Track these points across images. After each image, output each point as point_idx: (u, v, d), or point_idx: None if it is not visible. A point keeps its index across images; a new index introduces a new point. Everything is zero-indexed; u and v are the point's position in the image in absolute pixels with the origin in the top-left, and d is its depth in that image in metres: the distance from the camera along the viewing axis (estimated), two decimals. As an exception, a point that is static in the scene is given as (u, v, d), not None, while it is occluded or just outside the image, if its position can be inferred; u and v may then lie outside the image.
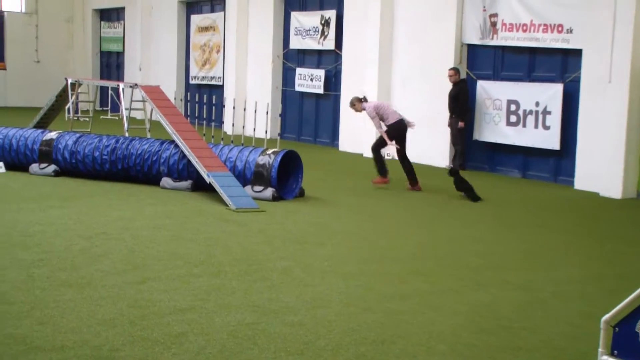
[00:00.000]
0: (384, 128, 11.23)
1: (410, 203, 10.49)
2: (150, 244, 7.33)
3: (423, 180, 11.83)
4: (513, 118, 13.54)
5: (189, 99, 16.63)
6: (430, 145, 14.82)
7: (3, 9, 27.66)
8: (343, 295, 5.83)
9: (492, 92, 13.90)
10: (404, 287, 6.17)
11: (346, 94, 17.06)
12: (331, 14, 17.60)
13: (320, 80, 17.98)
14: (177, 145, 10.89)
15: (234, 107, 15.74)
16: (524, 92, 13.35)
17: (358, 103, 11.46)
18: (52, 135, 11.77)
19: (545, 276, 6.75)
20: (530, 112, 13.24)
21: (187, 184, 10.66)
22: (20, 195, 9.75)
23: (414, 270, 6.74)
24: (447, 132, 14.47)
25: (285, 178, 10.64)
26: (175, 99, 16.53)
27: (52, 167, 11.48)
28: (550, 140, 12.96)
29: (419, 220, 9.25)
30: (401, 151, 11.25)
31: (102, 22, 27.97)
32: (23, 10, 27.95)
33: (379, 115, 11.25)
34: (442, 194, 11.30)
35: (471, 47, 14.41)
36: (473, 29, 14.22)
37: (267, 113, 15.08)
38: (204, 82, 22.02)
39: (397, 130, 11.22)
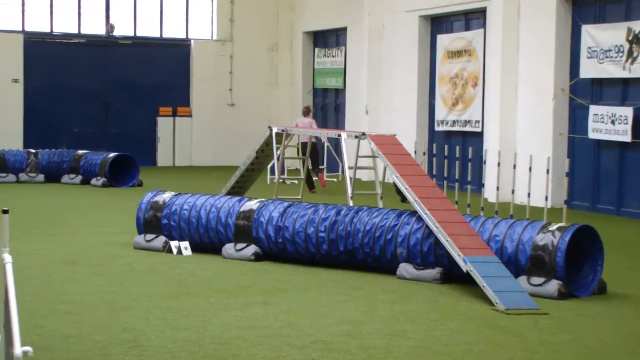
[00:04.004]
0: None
1: None
2: (385, 358, 7.43)
3: None
4: None
5: (434, 152, 16.91)
6: None
7: (190, 37, 30.00)
8: None
9: None
10: None
11: (667, 141, 16.42)
12: (642, 24, 17.18)
13: (627, 123, 17.50)
14: (420, 218, 11.05)
15: (498, 164, 15.75)
16: None
17: (305, 112, 21.78)
18: (252, 205, 12.43)
19: None
20: None
21: (434, 272, 10.74)
22: (211, 287, 10.34)
23: None
24: None
25: (576, 266, 10.39)
26: (415, 152, 16.81)
27: (252, 249, 12.08)
28: None
29: None
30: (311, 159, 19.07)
31: (316, 49, 29.37)
32: (214, 38, 30.13)
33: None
34: None
35: None
36: None
37: (547, 171, 14.90)
38: (456, 128, 22.27)
39: (305, 147, 19.01)
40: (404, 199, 17.21)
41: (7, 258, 5.92)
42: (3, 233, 6.30)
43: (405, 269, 10.96)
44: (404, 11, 24.08)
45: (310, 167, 19.55)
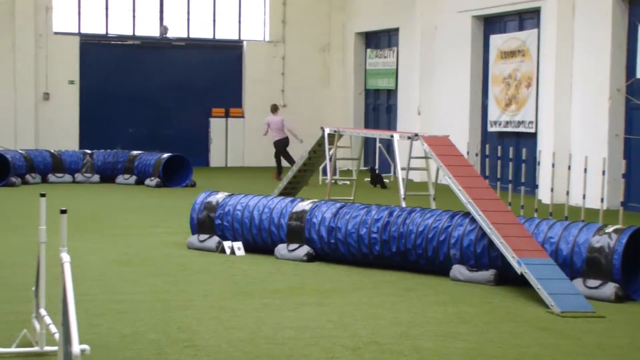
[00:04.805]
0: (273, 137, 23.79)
1: None
2: (439, 360, 7.42)
3: None
4: None
5: (487, 153, 16.80)
6: None
7: (242, 38, 30.13)
8: None
9: None
10: None
11: None
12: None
13: (684, 123, 17.29)
14: (473, 220, 11.01)
15: (553, 165, 15.62)
16: None
17: (273, 109, 24.22)
18: (305, 205, 12.46)
19: None
20: None
21: (488, 274, 10.69)
22: (264, 288, 10.39)
23: None
24: None
25: (633, 268, 10.28)
26: (468, 153, 16.73)
27: (305, 249, 12.11)
28: None
29: None
30: (279, 155, 23.86)
31: (368, 50, 29.37)
32: (266, 39, 30.24)
33: (269, 128, 23.83)
34: None
35: None
36: None
37: (603, 173, 14.75)
38: (509, 128, 22.14)
39: (280, 144, 23.81)
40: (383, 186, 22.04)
41: (65, 257, 6.00)
42: (61, 233, 6.38)
43: (458, 270, 10.92)
44: (457, 11, 23.99)
45: (281, 161, 23.86)
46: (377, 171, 23.40)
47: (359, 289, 10.45)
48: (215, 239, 12.78)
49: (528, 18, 22.06)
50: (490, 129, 22.92)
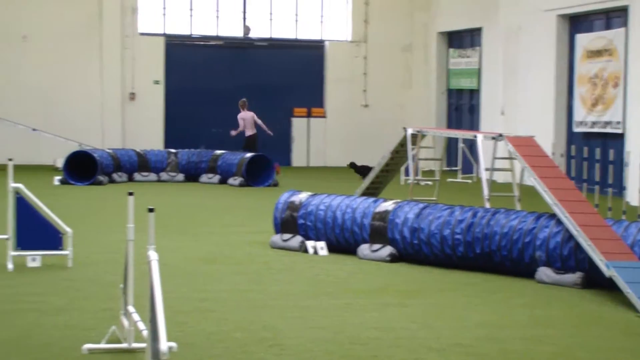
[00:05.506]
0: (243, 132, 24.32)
1: None
2: (526, 363, 7.34)
3: None
4: None
5: (573, 154, 16.62)
6: None
7: (324, 38, 30.18)
8: None
9: None
10: None
11: None
12: None
13: None
14: (559, 222, 10.85)
15: (641, 166, 15.38)
16: None
17: (242, 105, 24.47)
18: (387, 206, 12.40)
19: None
20: None
21: (575, 277, 10.52)
22: (347, 287, 10.37)
23: None
24: None
25: None
26: (553, 154, 16.53)
27: (388, 250, 12.06)
28: None
29: None
30: (252, 150, 23.66)
31: (451, 50, 29.20)
32: (349, 39, 30.24)
33: (244, 124, 24.17)
34: None
35: None
36: None
37: (693, 174, 14.45)
38: (596, 129, 21.81)
39: (251, 139, 24.26)
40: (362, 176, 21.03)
41: (153, 255, 6.05)
42: (149, 231, 6.44)
43: (544, 272, 10.77)
44: (542, 10, 23.70)
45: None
46: (356, 164, 24.03)
47: (443, 290, 10.38)
48: (299, 238, 12.79)
49: (615, 17, 21.71)
50: (576, 129, 22.60)
